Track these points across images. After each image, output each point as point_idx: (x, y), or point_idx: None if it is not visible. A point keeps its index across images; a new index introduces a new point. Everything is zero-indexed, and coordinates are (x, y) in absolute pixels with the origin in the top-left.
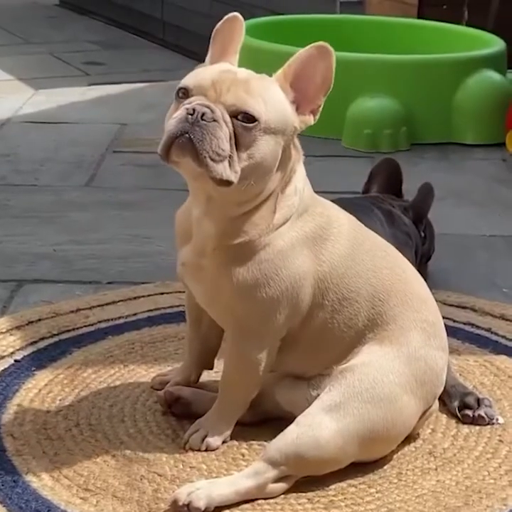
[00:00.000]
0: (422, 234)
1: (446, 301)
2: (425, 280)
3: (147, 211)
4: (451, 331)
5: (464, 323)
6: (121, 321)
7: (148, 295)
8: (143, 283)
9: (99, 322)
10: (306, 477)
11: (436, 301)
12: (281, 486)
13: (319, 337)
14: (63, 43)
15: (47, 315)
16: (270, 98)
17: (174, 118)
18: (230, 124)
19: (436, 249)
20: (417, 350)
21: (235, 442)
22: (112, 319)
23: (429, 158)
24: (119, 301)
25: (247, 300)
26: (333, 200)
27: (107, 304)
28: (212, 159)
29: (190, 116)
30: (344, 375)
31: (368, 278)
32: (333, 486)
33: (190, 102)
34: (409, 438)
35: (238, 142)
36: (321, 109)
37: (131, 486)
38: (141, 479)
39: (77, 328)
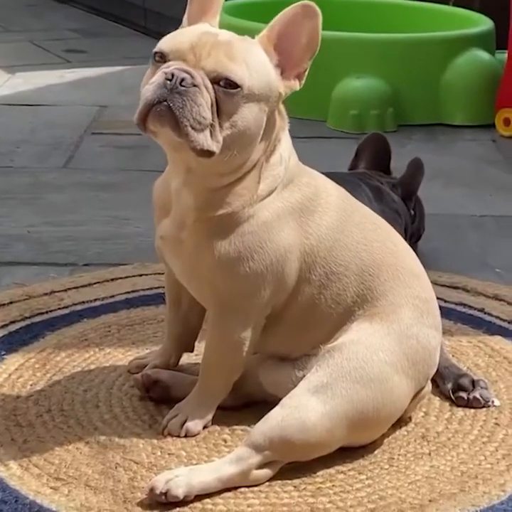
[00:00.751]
0: (412, 212)
1: (437, 282)
2: None
3: (126, 192)
4: (443, 312)
5: (456, 304)
6: (98, 303)
7: (127, 277)
8: (121, 265)
9: (74, 304)
10: (292, 463)
11: None
12: (266, 472)
13: (306, 314)
14: (43, 31)
15: (19, 297)
16: (253, 62)
17: (151, 83)
18: (211, 91)
19: (427, 230)
20: (409, 327)
21: (217, 427)
22: (87, 301)
23: (417, 140)
24: (95, 283)
25: (229, 275)
26: None
27: (82, 286)
28: (193, 128)
29: (168, 81)
30: (332, 354)
31: (357, 251)
32: (320, 473)
33: (169, 67)
34: (401, 421)
35: (220, 110)
36: (306, 73)
37: (106, 475)
38: (116, 467)
39: (51, 311)
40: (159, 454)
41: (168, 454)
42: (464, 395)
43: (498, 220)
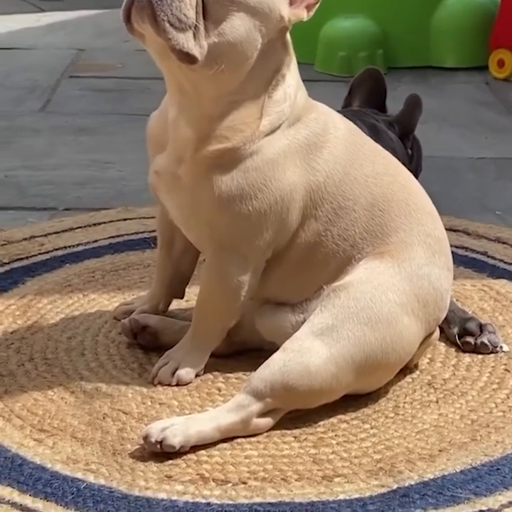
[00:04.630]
0: (409, 151)
1: None
2: None
3: (106, 136)
4: None
5: (457, 247)
6: (80, 248)
7: (110, 221)
8: (103, 209)
9: (56, 250)
10: (291, 412)
11: None
12: (267, 421)
13: (310, 252)
14: None
15: None
16: None
17: None
18: None
19: (423, 172)
20: (421, 267)
21: (210, 376)
22: (69, 246)
23: (408, 82)
24: (77, 228)
25: (229, 213)
26: None
27: (63, 231)
28: (172, 25)
29: None
30: (337, 294)
31: (367, 185)
32: (322, 422)
33: None
34: (405, 368)
35: (207, 13)
36: (317, 5)
37: (93, 426)
38: (103, 418)
39: (31, 256)
40: (149, 403)
41: (159, 403)
42: (470, 339)
43: (496, 162)
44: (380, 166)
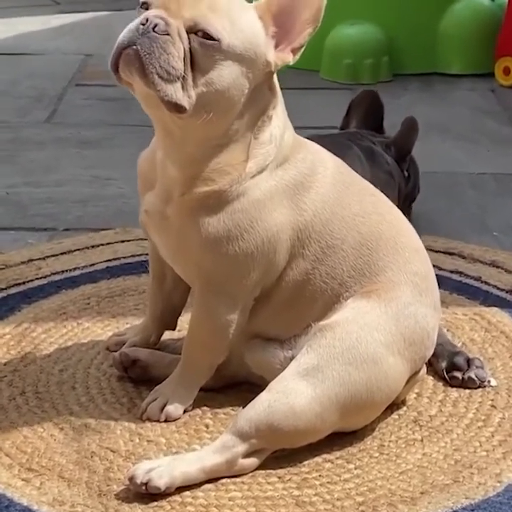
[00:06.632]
0: (406, 173)
1: (432, 247)
2: None
3: (110, 149)
4: (438, 281)
5: (452, 271)
6: (77, 272)
7: (108, 243)
8: (102, 229)
9: (53, 274)
10: (277, 452)
11: None
12: (253, 461)
13: (298, 290)
14: None
15: None
16: (239, 20)
17: (126, 28)
18: (185, 41)
19: (422, 189)
20: (407, 306)
21: (198, 411)
22: (66, 271)
23: (413, 90)
24: (75, 251)
25: (217, 255)
26: (307, 138)
27: (62, 254)
28: (160, 77)
29: (142, 26)
30: (324, 333)
31: (355, 224)
32: (306, 462)
33: (148, 13)
34: (392, 405)
35: (195, 63)
36: (303, 49)
37: (80, 465)
38: (91, 456)
39: (28, 281)
40: (137, 441)
41: (147, 441)
42: (458, 374)
43: (497, 177)
44: (369, 204)
